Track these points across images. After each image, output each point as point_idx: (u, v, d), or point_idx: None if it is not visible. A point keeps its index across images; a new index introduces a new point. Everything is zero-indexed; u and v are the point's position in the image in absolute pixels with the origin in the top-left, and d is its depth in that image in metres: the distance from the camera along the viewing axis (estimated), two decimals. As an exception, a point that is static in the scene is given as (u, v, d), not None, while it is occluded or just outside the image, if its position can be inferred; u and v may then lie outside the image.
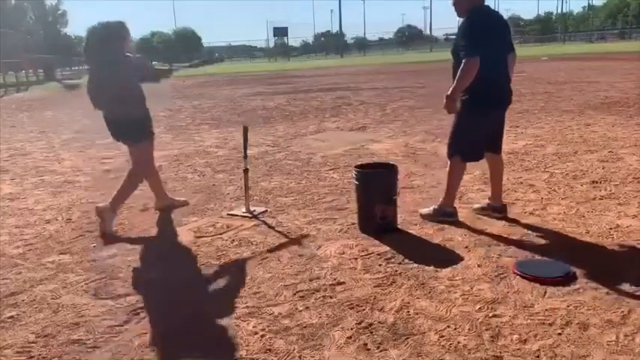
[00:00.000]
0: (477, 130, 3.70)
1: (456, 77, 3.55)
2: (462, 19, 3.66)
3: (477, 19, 3.58)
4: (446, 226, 3.78)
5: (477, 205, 4.08)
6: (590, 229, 3.57)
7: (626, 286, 2.74)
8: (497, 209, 3.95)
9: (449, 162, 3.90)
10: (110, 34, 3.94)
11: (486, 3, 3.71)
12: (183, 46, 72.32)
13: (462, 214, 3.99)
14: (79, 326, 2.63)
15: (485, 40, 3.51)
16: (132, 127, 4.12)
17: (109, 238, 3.89)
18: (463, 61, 3.48)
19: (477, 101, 3.61)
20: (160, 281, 3.16)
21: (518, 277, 2.90)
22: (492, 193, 4.00)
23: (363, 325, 2.49)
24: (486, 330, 2.40)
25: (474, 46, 3.48)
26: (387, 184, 3.73)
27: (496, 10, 3.72)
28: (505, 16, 4.66)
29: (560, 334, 2.34)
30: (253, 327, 2.53)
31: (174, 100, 15.07)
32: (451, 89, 3.56)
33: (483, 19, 3.61)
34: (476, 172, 5.23)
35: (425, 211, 3.99)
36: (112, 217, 4.06)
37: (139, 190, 4.50)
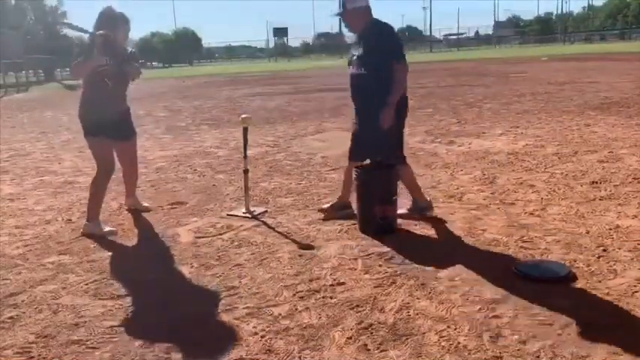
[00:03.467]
0: (402, 132, 3.86)
1: (395, 82, 3.57)
2: (371, 27, 3.70)
3: (392, 27, 3.70)
4: (446, 226, 3.79)
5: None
6: (590, 230, 3.57)
7: (625, 287, 2.74)
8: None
9: (402, 169, 3.89)
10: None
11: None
12: (183, 47, 72.23)
13: (461, 215, 4.00)
14: (78, 327, 2.63)
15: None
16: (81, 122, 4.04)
17: (108, 239, 3.89)
18: (398, 65, 3.56)
19: (400, 107, 3.69)
20: (159, 281, 3.16)
21: (518, 277, 2.91)
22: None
23: (363, 325, 2.50)
24: (486, 330, 2.40)
25: (403, 52, 3.64)
26: (387, 184, 3.73)
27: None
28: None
29: (560, 334, 2.34)
30: (253, 327, 2.54)
31: (174, 101, 15.06)
32: (392, 98, 3.58)
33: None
34: (476, 172, 5.24)
35: (401, 211, 3.99)
36: (96, 225, 3.98)
37: (139, 191, 4.51)
